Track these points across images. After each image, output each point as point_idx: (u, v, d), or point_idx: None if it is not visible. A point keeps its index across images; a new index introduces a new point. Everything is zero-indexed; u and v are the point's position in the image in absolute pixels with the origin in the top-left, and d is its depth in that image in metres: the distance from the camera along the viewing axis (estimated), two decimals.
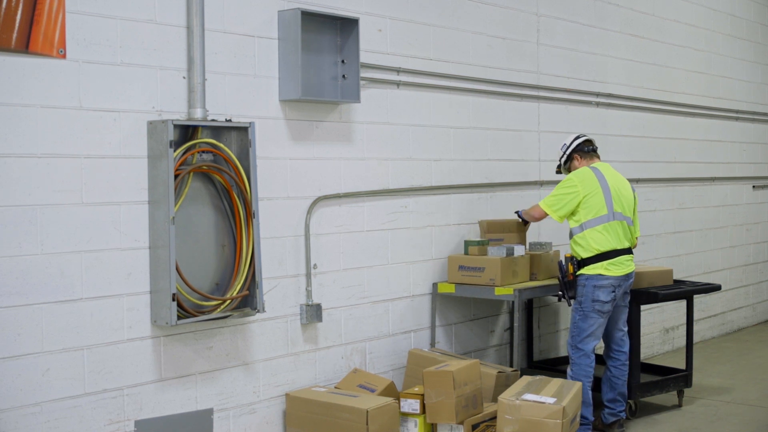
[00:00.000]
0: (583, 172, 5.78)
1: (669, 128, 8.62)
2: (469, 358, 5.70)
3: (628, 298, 5.96)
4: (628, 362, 5.95)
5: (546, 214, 5.83)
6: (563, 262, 5.78)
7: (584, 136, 6.02)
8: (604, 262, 5.64)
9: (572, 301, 5.78)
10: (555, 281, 6.04)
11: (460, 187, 6.41)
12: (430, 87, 6.16)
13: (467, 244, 6.16)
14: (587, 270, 5.67)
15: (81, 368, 4.34)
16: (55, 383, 4.24)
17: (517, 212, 6.33)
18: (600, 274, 5.63)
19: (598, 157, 5.99)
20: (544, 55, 7.13)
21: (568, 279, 5.74)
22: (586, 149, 5.93)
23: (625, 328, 5.95)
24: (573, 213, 5.71)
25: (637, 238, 6.00)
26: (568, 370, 5.73)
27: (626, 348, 5.93)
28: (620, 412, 5.88)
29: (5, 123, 4.07)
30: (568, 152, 5.95)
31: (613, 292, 5.66)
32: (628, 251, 5.77)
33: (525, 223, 6.33)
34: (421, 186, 6.12)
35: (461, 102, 6.41)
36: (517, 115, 6.88)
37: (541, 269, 6.22)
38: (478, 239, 6.22)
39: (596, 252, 5.64)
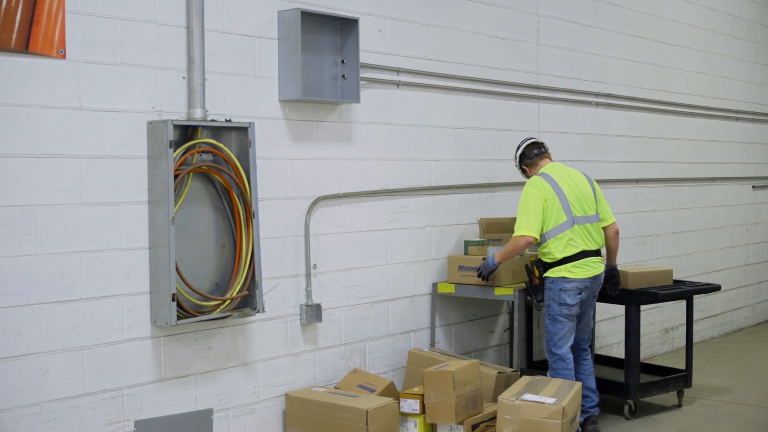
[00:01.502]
0: (534, 181, 5.65)
1: (669, 128, 8.62)
2: (469, 359, 5.70)
3: (595, 300, 5.90)
4: (589, 357, 5.88)
5: (528, 237, 5.50)
6: (530, 266, 5.77)
7: (529, 140, 5.90)
8: (568, 265, 5.59)
9: (541, 305, 5.76)
10: None
11: (460, 187, 6.41)
12: (430, 87, 6.16)
13: (467, 244, 6.16)
14: (552, 273, 5.63)
15: (81, 368, 4.34)
16: (55, 383, 4.24)
17: (487, 271, 5.76)
18: (564, 277, 5.59)
19: (549, 157, 5.86)
20: (544, 55, 7.13)
21: (535, 283, 5.73)
22: (531, 155, 5.83)
23: (588, 327, 5.87)
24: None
25: (614, 224, 5.87)
26: (548, 375, 5.70)
27: (585, 345, 5.86)
28: (591, 407, 5.78)
29: (5, 123, 4.07)
30: (519, 166, 5.92)
31: (579, 294, 5.62)
32: (595, 253, 5.71)
33: (490, 274, 5.77)
34: (421, 186, 6.12)
35: (461, 102, 6.41)
36: (517, 115, 6.88)
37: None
38: (478, 239, 6.22)
39: (560, 257, 5.60)
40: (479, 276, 5.82)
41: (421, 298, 6.15)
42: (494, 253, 5.86)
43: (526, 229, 5.53)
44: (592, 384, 5.86)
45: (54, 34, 4.20)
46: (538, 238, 5.55)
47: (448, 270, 6.14)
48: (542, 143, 5.91)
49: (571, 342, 5.69)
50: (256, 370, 5.13)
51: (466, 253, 6.13)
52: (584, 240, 5.66)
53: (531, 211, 5.55)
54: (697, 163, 9.04)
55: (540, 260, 5.74)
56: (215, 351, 4.91)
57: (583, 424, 5.77)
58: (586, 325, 5.88)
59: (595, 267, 5.69)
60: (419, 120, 6.10)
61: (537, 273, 5.72)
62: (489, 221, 6.37)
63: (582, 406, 5.76)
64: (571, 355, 5.67)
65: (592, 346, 6.22)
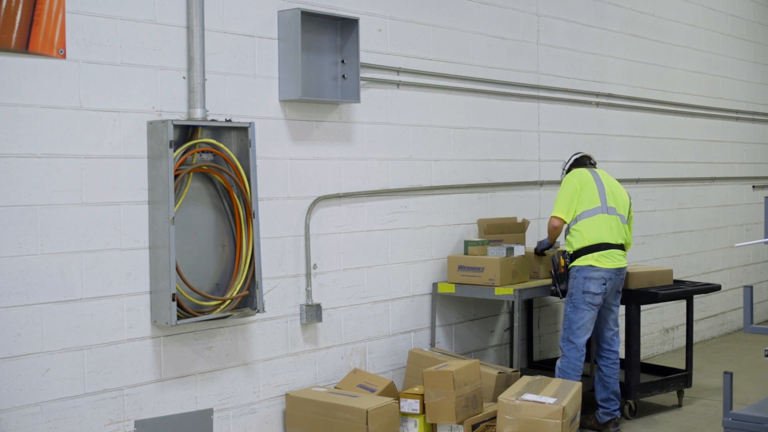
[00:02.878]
0: (578, 170, 5.95)
1: (669, 128, 8.62)
2: (469, 358, 5.70)
3: (619, 298, 5.97)
4: (618, 361, 5.96)
5: (561, 219, 5.78)
6: (556, 256, 5.86)
7: (582, 152, 6.19)
8: (595, 254, 5.69)
9: (564, 294, 5.82)
10: None
11: (460, 187, 6.41)
12: (430, 87, 6.16)
13: (467, 244, 6.16)
14: (578, 261, 5.73)
15: (81, 368, 4.34)
16: (55, 383, 4.24)
17: (541, 248, 6.22)
18: (591, 266, 5.68)
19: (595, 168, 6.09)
20: (544, 55, 7.13)
21: (560, 272, 5.81)
22: (584, 162, 6.08)
23: (616, 328, 5.96)
24: None
25: (629, 247, 6.05)
26: (558, 362, 5.75)
27: (616, 347, 5.95)
28: (615, 410, 5.89)
29: (5, 123, 4.07)
30: (567, 167, 6.12)
31: (604, 284, 5.69)
32: (620, 247, 5.81)
33: (544, 250, 6.21)
34: (421, 186, 6.12)
35: (461, 102, 6.41)
36: (517, 115, 6.88)
37: (542, 268, 6.23)
38: (478, 239, 6.22)
39: (588, 243, 5.69)
40: (535, 252, 6.22)
41: (421, 298, 6.15)
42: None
43: (556, 210, 5.82)
44: (618, 388, 5.94)
45: (54, 34, 4.20)
46: (566, 219, 5.77)
47: (448, 270, 6.13)
48: (593, 159, 6.18)
49: (589, 334, 5.74)
50: (256, 370, 5.13)
51: (466, 253, 6.13)
52: (612, 231, 5.77)
53: (563, 196, 5.81)
54: (697, 163, 9.04)
55: (566, 251, 5.83)
56: (215, 351, 4.91)
57: (606, 424, 5.90)
58: (615, 324, 5.95)
59: (619, 260, 5.79)
60: (419, 120, 6.10)
61: (563, 263, 5.80)
62: (489, 222, 6.37)
63: (606, 409, 5.90)
64: (585, 349, 5.72)
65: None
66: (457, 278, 6.08)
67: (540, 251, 6.20)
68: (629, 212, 5.98)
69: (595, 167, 6.09)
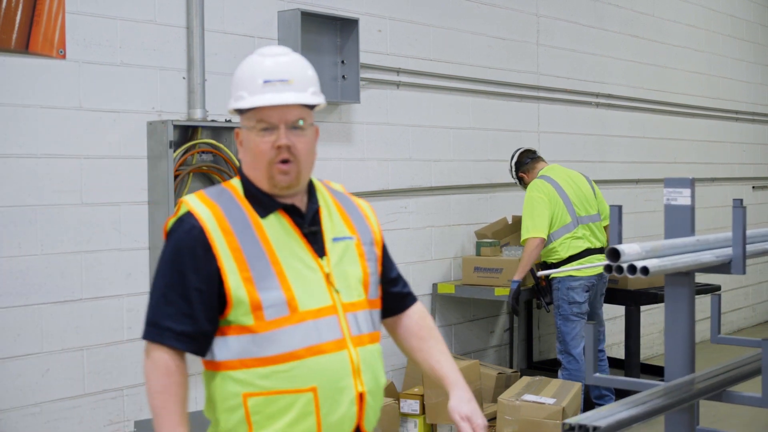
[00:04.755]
0: (536, 185, 5.73)
1: (669, 129, 8.62)
2: (468, 359, 5.70)
3: (603, 299, 5.94)
4: (606, 358, 5.94)
5: (536, 238, 5.56)
6: (535, 269, 5.80)
7: (521, 149, 6.00)
8: (574, 263, 5.65)
9: (550, 307, 5.79)
10: None
11: (460, 187, 6.41)
12: (429, 87, 6.16)
13: (480, 245, 6.13)
14: (558, 273, 5.67)
15: (81, 368, 4.34)
16: (55, 383, 4.24)
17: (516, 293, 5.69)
18: (571, 275, 5.63)
19: (543, 160, 5.97)
20: (544, 55, 7.13)
21: (542, 285, 5.77)
22: (526, 161, 5.93)
23: (602, 327, 5.93)
24: None
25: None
26: (559, 375, 5.72)
27: (602, 346, 5.92)
28: None
29: (5, 123, 4.07)
30: (515, 175, 5.99)
31: (587, 291, 5.67)
32: (599, 251, 5.75)
33: (538, 276, 5.87)
34: (420, 186, 6.12)
35: (461, 102, 6.41)
36: (517, 115, 6.88)
37: None
38: (490, 240, 6.19)
39: (566, 257, 5.66)
40: (513, 311, 5.76)
41: (421, 298, 6.09)
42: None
43: (533, 231, 5.58)
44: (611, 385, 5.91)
45: (54, 34, 4.20)
46: (545, 237, 5.59)
47: (463, 271, 6.05)
48: (534, 150, 6.01)
49: (584, 342, 5.69)
50: None
51: (478, 254, 6.10)
52: (588, 239, 5.72)
53: (536, 213, 5.60)
54: (697, 164, 9.03)
55: (544, 262, 5.77)
56: None
57: None
58: (601, 324, 5.93)
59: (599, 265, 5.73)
60: (419, 120, 6.10)
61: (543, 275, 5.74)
62: (492, 229, 6.28)
63: (602, 406, 5.83)
64: (583, 357, 5.69)
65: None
66: (473, 280, 6.01)
67: (516, 301, 5.66)
68: (598, 198, 5.87)
69: (540, 158, 5.97)
